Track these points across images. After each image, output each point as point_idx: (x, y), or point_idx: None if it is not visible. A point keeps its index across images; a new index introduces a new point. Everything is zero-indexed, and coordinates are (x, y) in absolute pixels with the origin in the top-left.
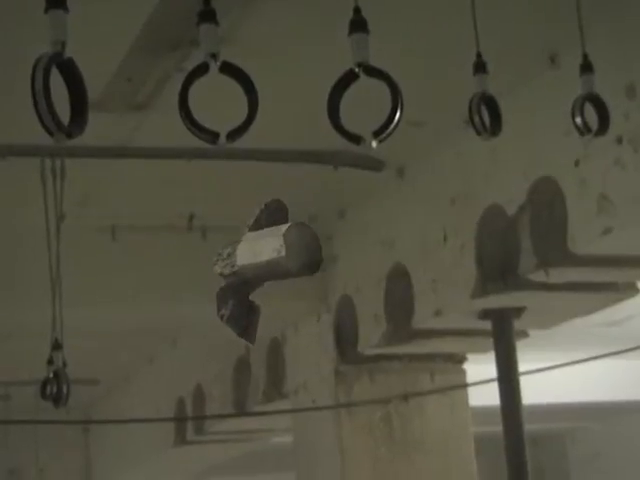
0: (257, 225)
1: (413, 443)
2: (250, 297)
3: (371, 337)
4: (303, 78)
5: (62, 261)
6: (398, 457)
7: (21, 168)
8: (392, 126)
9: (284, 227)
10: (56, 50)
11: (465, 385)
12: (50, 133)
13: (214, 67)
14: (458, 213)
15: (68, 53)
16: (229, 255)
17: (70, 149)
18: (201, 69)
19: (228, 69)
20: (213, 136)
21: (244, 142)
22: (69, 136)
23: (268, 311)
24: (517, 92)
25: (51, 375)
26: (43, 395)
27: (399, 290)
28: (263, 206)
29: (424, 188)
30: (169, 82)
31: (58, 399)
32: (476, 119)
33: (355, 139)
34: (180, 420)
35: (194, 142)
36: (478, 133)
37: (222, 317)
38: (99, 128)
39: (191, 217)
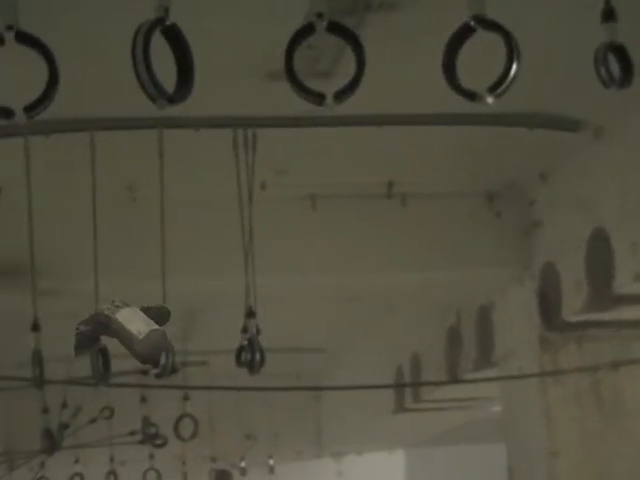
0: (146, 311)
1: (625, 412)
2: (100, 336)
3: (574, 303)
4: None
5: (261, 230)
6: (608, 427)
7: (216, 139)
8: (508, 80)
9: (155, 326)
10: (159, 15)
11: None
12: (152, 99)
13: (321, 27)
14: None
15: (246, 26)
16: (117, 307)
17: (259, 120)
18: (307, 29)
19: (335, 28)
20: (319, 98)
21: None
22: (171, 102)
23: (473, 278)
24: None
25: (245, 343)
26: (238, 362)
27: (600, 255)
28: (159, 306)
29: (621, 148)
30: (348, 48)
31: (252, 366)
32: (602, 70)
33: (470, 95)
34: (395, 387)
35: (384, 109)
36: (605, 85)
37: (77, 328)
38: (285, 98)
39: (390, 185)
